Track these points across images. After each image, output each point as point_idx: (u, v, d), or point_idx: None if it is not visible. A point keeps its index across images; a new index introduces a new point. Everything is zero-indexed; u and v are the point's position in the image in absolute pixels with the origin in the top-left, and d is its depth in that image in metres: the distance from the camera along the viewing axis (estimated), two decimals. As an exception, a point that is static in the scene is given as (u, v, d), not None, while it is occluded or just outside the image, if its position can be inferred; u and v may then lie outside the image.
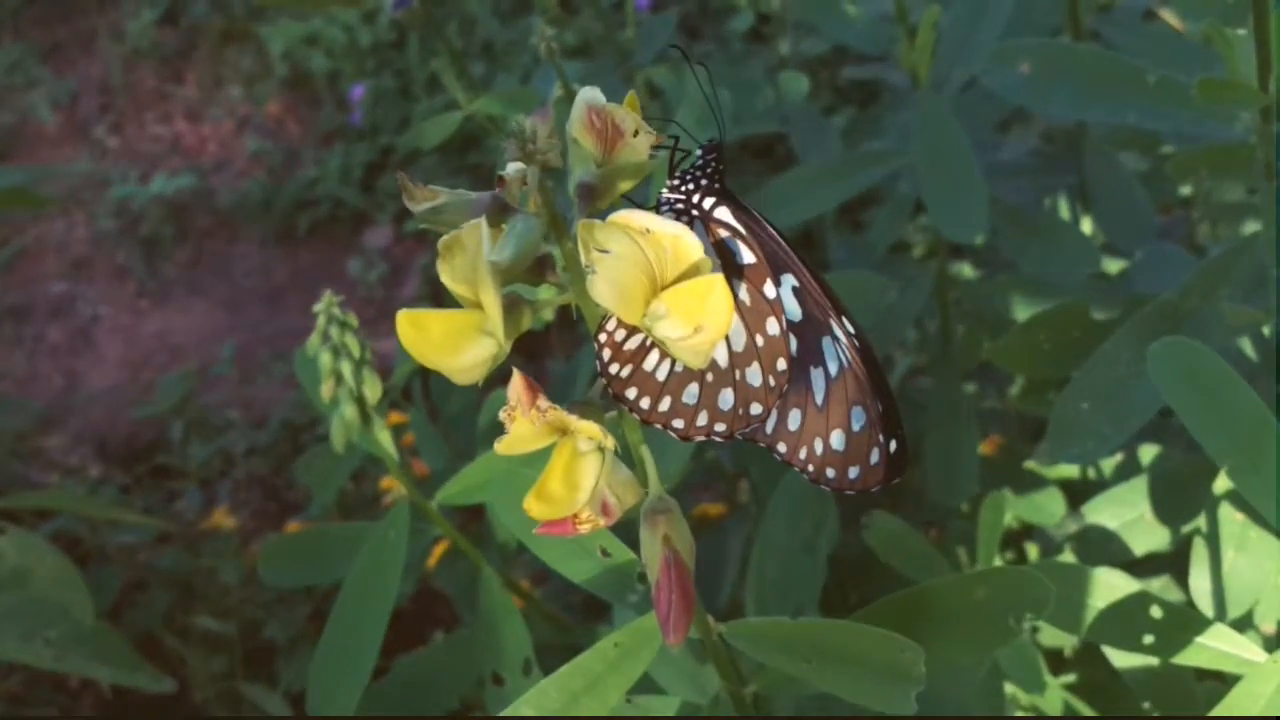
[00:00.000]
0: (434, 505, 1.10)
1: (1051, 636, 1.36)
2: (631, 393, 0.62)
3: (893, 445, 0.65)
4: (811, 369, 0.65)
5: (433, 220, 0.59)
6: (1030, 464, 1.50)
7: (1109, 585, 0.94)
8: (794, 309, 0.65)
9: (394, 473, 1.08)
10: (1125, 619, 0.92)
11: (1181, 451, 1.27)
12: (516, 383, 0.57)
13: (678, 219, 0.65)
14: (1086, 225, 1.55)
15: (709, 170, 0.65)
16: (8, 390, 2.81)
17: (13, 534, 1.53)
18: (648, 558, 0.65)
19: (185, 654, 2.13)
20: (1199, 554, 1.07)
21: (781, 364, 0.64)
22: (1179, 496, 1.15)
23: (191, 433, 2.53)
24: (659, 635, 0.66)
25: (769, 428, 0.66)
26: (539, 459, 0.60)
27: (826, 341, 0.65)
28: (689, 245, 0.56)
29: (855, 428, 0.64)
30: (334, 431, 1.05)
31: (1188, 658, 0.91)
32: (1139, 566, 1.25)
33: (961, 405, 1.34)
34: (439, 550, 1.40)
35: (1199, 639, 0.91)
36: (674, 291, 0.56)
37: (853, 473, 0.65)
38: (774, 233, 0.65)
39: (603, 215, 0.59)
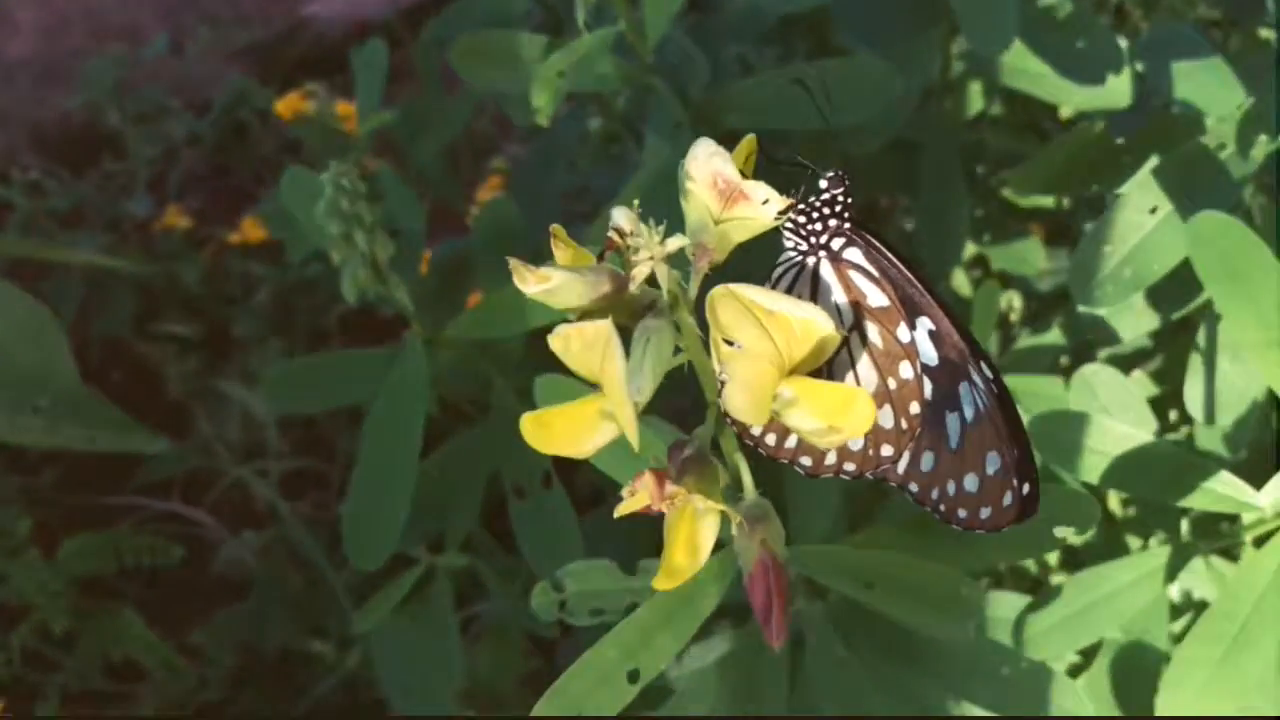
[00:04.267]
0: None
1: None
2: (757, 429, 0.62)
3: (1025, 488, 0.65)
4: (947, 413, 0.65)
5: (547, 300, 0.57)
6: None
7: (1119, 434, 0.99)
8: (930, 353, 0.64)
9: (410, 319, 1.07)
10: (1134, 465, 0.98)
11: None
12: (647, 477, 0.57)
13: (804, 257, 0.63)
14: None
15: (836, 207, 0.62)
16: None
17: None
18: (744, 560, 0.67)
19: (155, 356, 2.15)
20: (1194, 364, 1.12)
21: (915, 408, 0.63)
22: (1172, 283, 1.18)
23: (128, 121, 2.41)
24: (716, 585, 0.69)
25: (900, 468, 0.66)
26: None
27: (964, 387, 0.64)
28: (817, 323, 0.54)
29: (989, 471, 0.65)
30: (346, 286, 1.03)
31: (1193, 501, 0.97)
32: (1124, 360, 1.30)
33: (954, 171, 1.33)
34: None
35: (1204, 483, 0.97)
36: (812, 386, 0.56)
37: (984, 513, 0.66)
38: (909, 275, 0.63)
39: (717, 274, 0.57)
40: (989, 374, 0.64)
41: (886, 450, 0.65)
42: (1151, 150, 1.05)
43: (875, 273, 0.63)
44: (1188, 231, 0.88)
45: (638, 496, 0.59)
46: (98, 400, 1.53)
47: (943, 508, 0.67)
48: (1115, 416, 1.16)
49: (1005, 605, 1.13)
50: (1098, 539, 1.30)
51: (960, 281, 1.63)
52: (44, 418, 1.46)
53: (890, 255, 0.63)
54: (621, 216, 0.57)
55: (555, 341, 0.56)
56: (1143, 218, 0.98)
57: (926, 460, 0.66)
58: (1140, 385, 1.38)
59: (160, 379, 2.15)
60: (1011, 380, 1.27)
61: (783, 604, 0.67)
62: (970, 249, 1.52)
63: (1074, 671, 1.27)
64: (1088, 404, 1.16)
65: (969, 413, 0.64)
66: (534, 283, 0.56)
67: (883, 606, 0.80)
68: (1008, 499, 0.65)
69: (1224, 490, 0.97)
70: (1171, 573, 1.10)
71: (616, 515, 0.60)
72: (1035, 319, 1.54)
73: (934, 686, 1.00)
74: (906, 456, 0.66)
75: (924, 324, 0.64)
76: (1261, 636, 0.89)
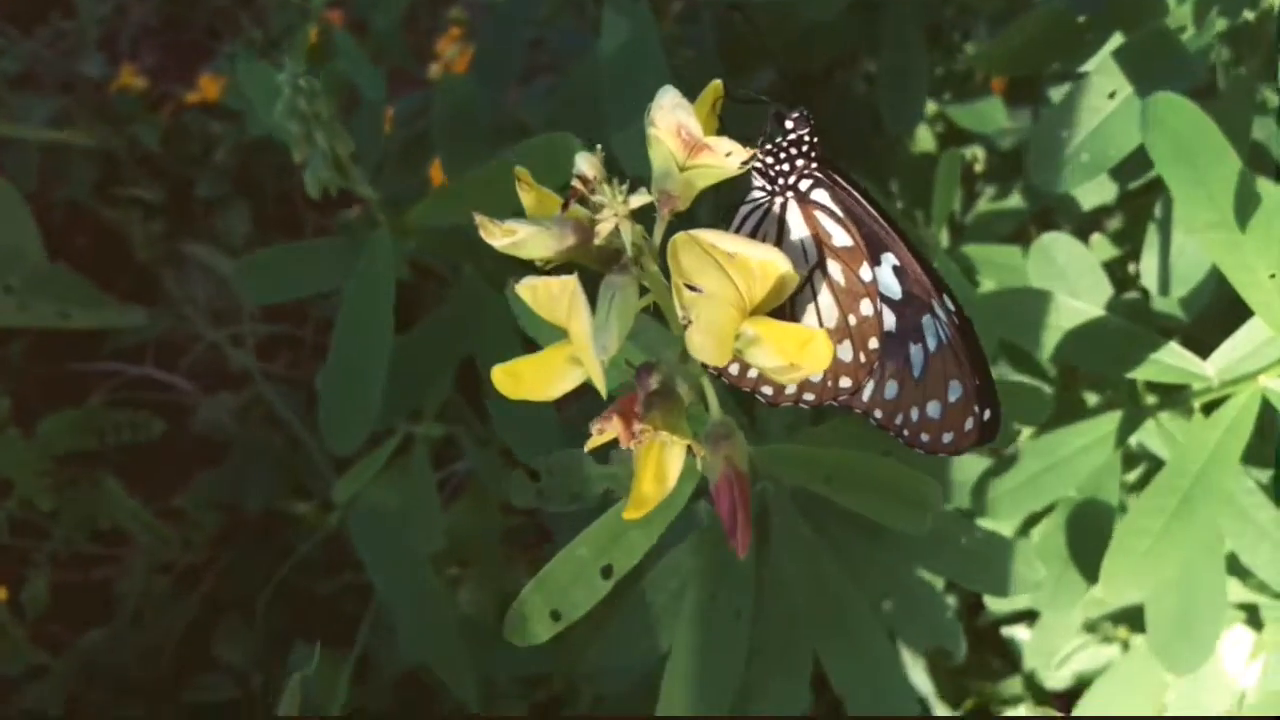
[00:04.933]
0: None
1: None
2: None
3: (986, 414, 0.68)
4: (911, 345, 0.66)
5: (514, 251, 0.58)
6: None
7: (1073, 310, 1.01)
8: (894, 287, 0.65)
9: (375, 210, 1.07)
10: (1087, 339, 1.01)
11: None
12: (614, 416, 0.59)
13: (771, 198, 0.64)
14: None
15: (804, 148, 0.63)
16: None
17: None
18: (710, 475, 0.70)
19: (119, 221, 2.13)
20: (1150, 237, 1.14)
21: (873, 343, 0.65)
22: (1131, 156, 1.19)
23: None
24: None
25: (865, 396, 0.68)
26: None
27: (927, 319, 0.66)
28: (776, 264, 0.56)
29: (952, 399, 0.67)
30: (309, 183, 1.03)
31: (1142, 372, 1.01)
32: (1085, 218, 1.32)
33: (915, 31, 1.32)
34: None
35: (1153, 355, 1.01)
36: (772, 326, 0.58)
37: (946, 438, 0.68)
38: (875, 213, 0.64)
39: (681, 219, 0.59)
40: (952, 307, 0.66)
41: (845, 382, 0.67)
42: (1113, 29, 1.05)
43: (840, 213, 0.64)
44: (1141, 113, 0.89)
45: (606, 433, 0.61)
46: (69, 275, 1.53)
47: (906, 433, 0.69)
48: (1073, 283, 1.19)
49: (965, 469, 1.17)
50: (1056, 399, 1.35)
51: (924, 137, 1.63)
52: (15, 296, 1.46)
53: (856, 194, 0.65)
54: (585, 163, 0.58)
55: (523, 291, 0.57)
56: (1101, 102, 0.98)
57: (891, 389, 0.68)
58: (1099, 248, 1.40)
59: (126, 244, 2.14)
60: (972, 249, 1.29)
61: (747, 515, 0.70)
62: (931, 108, 1.52)
63: (1028, 525, 1.32)
64: (1046, 272, 1.19)
65: (932, 343, 0.66)
66: (500, 236, 0.57)
67: (841, 499, 0.83)
68: (969, 424, 0.68)
69: (1172, 361, 1.01)
70: (1124, 435, 1.15)
71: (587, 450, 0.62)
72: (998, 175, 1.55)
73: (895, 558, 1.05)
74: (871, 385, 0.68)
75: (889, 260, 0.65)
76: (1203, 506, 0.93)
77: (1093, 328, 1.01)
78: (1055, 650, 1.55)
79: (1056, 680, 1.65)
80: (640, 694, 1.22)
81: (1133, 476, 1.40)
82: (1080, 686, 1.60)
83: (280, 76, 0.97)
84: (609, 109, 1.17)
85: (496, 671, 1.33)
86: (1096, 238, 1.40)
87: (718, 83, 0.61)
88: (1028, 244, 1.22)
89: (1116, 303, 1.20)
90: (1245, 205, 0.88)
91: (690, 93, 0.59)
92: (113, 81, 2.16)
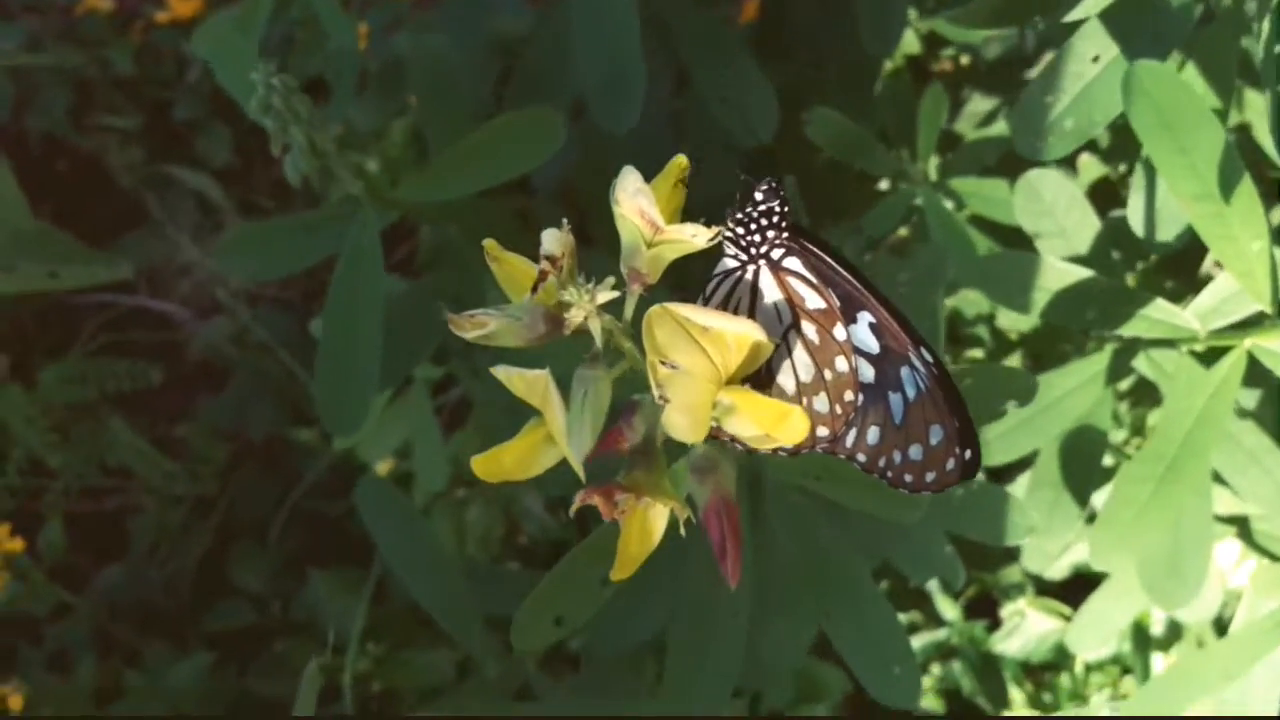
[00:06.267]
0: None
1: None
2: None
3: (968, 454, 0.69)
4: (891, 394, 0.68)
5: (486, 343, 0.58)
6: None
7: (1060, 271, 1.01)
8: (871, 343, 0.67)
9: (360, 194, 1.07)
10: (1073, 298, 1.01)
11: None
12: (595, 496, 0.60)
13: (744, 266, 0.65)
14: None
15: (775, 218, 0.64)
16: None
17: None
18: (698, 503, 0.71)
19: (98, 149, 2.11)
20: (1138, 181, 1.12)
21: (849, 395, 0.66)
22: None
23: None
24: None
25: (848, 442, 0.69)
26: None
27: (905, 370, 0.67)
28: (751, 336, 0.56)
29: (933, 442, 0.68)
30: (289, 173, 1.02)
31: (1130, 329, 1.01)
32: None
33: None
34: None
35: (1140, 311, 1.01)
36: (749, 398, 0.58)
37: (929, 477, 0.69)
38: (848, 275, 0.65)
39: (653, 292, 0.59)
40: (930, 358, 0.67)
41: (822, 431, 0.68)
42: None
43: (814, 279, 0.65)
44: (1123, 82, 0.88)
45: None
46: (53, 233, 1.52)
47: (889, 474, 0.71)
48: (1060, 219, 1.19)
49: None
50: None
51: (909, 41, 1.60)
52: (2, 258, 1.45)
53: (829, 260, 0.65)
54: (552, 242, 0.57)
55: (499, 375, 0.58)
56: (1084, 67, 0.96)
57: (873, 434, 0.69)
58: (1088, 169, 1.39)
59: (106, 172, 2.11)
60: (959, 182, 1.28)
61: (737, 544, 0.72)
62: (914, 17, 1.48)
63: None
64: (1033, 209, 1.18)
65: (911, 392, 0.68)
66: (471, 329, 0.58)
67: (832, 495, 0.85)
68: (950, 464, 0.69)
69: (1159, 316, 1.01)
70: (1114, 374, 1.16)
71: (571, 513, 0.63)
72: (984, 84, 1.53)
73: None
74: (854, 432, 0.69)
75: (865, 317, 0.66)
76: (1191, 469, 0.95)
77: (1080, 288, 1.01)
78: (1053, 553, 1.58)
79: (1056, 571, 1.69)
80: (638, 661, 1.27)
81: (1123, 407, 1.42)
82: (1078, 576, 1.65)
83: (254, 75, 0.95)
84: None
85: (501, 611, 1.37)
86: (1085, 158, 1.39)
87: (682, 158, 0.61)
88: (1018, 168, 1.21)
89: (1105, 234, 1.20)
90: (1229, 176, 0.88)
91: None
92: (80, 4, 2.11)
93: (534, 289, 0.58)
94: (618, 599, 1.04)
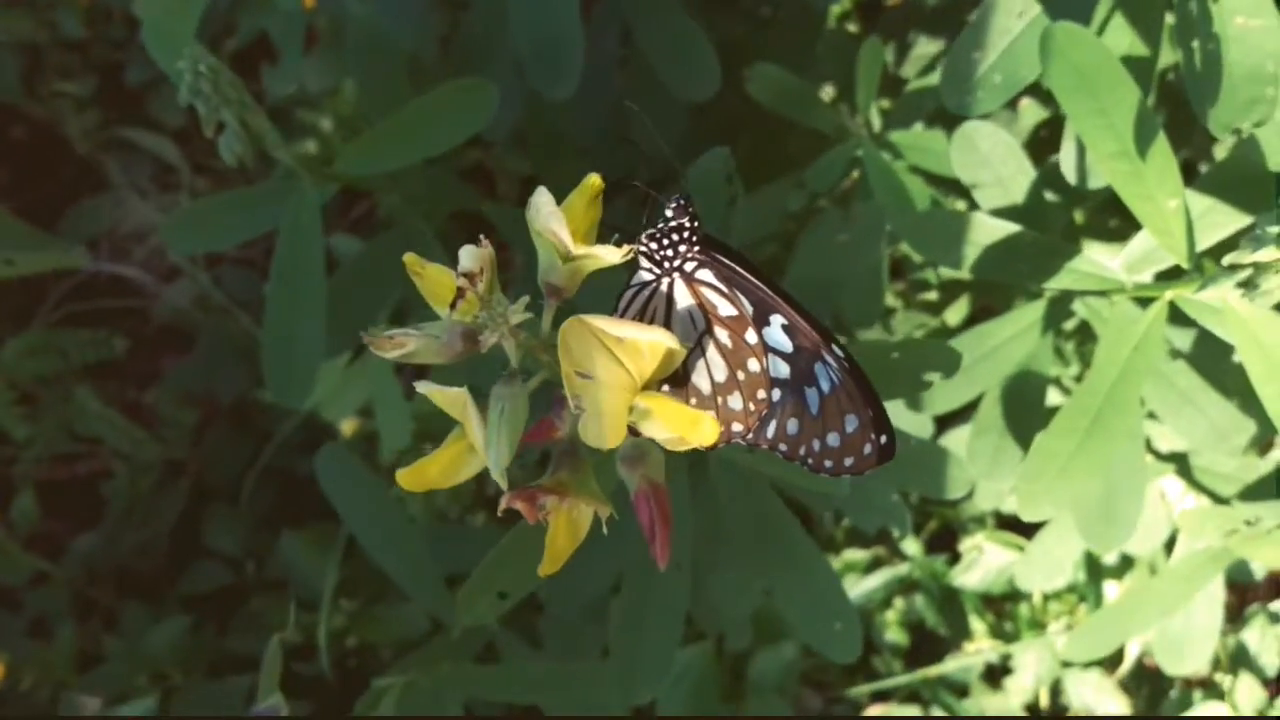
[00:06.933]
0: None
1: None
2: None
3: (883, 439, 0.72)
4: (806, 388, 0.71)
5: (406, 360, 0.60)
6: None
7: (989, 226, 1.03)
8: (785, 342, 0.70)
9: (300, 172, 1.07)
10: (1003, 253, 1.03)
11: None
12: (520, 501, 0.62)
13: (658, 279, 0.68)
14: None
15: (686, 233, 0.67)
16: None
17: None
18: (630, 488, 0.73)
19: (52, 115, 2.10)
20: (1069, 130, 1.13)
21: (761, 394, 0.70)
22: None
23: None
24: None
25: (769, 434, 0.73)
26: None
27: (818, 366, 0.70)
28: (664, 343, 0.58)
29: (849, 430, 0.72)
30: (224, 153, 1.02)
31: (1058, 282, 1.03)
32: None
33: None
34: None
35: (1069, 264, 1.03)
36: (664, 404, 0.60)
37: (848, 462, 0.73)
38: (759, 283, 0.68)
39: (570, 304, 0.61)
40: (841, 354, 0.70)
41: (737, 427, 0.71)
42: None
43: (725, 289, 0.69)
44: (1040, 43, 0.89)
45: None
46: (7, 219, 1.52)
47: (810, 461, 0.74)
48: (997, 169, 1.20)
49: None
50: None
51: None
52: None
53: (740, 269, 0.69)
54: (470, 259, 0.59)
55: (421, 389, 0.60)
56: (1011, 21, 0.97)
57: (792, 426, 0.72)
58: (1029, 113, 1.40)
59: (63, 138, 2.10)
60: (898, 136, 1.30)
61: (666, 527, 0.74)
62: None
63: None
64: (970, 160, 1.19)
65: (825, 386, 0.71)
66: (391, 349, 0.59)
67: (767, 472, 0.88)
68: (868, 449, 0.72)
69: (1087, 269, 1.03)
70: (1051, 321, 1.18)
71: (499, 513, 0.65)
72: (928, 23, 1.53)
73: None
74: (773, 424, 0.72)
75: (778, 320, 0.70)
76: (1117, 421, 0.97)
77: (1009, 242, 1.02)
78: (1003, 491, 1.62)
79: (1010, 505, 1.73)
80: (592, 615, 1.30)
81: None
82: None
83: (180, 63, 0.95)
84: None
85: (466, 569, 1.40)
86: (1026, 102, 1.39)
87: (595, 176, 0.62)
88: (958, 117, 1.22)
89: (1044, 178, 1.21)
90: (1145, 135, 0.89)
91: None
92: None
93: (452, 306, 0.60)
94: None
